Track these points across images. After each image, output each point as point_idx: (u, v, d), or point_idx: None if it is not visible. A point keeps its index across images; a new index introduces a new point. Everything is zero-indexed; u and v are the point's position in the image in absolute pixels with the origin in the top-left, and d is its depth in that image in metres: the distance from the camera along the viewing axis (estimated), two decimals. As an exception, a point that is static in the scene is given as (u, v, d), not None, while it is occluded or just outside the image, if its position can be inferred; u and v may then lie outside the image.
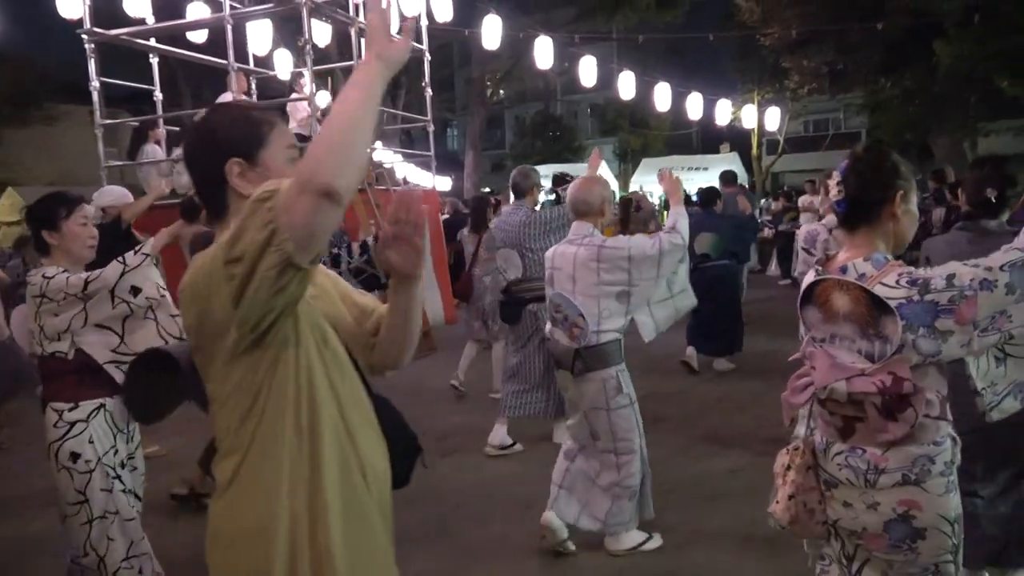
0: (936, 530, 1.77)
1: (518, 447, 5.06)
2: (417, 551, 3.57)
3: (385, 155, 10.87)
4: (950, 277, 1.69)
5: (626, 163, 31.34)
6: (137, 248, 2.84)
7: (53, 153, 19.97)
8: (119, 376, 2.65)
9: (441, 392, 6.51)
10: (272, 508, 1.32)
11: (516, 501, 4.12)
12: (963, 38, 13.79)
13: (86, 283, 2.66)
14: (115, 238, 4.72)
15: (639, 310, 3.37)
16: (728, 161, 25.44)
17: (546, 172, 27.86)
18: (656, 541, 3.52)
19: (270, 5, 8.33)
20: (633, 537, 3.48)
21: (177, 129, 9.03)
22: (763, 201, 16.40)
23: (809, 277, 1.94)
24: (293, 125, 9.25)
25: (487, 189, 28.19)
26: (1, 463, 5.59)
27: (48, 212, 2.71)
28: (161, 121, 9.28)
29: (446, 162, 26.27)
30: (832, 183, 1.90)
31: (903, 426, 1.75)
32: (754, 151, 24.77)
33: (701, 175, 23.78)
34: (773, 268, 14.45)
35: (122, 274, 2.70)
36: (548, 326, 3.53)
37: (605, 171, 25.87)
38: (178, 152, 8.66)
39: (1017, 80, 13.35)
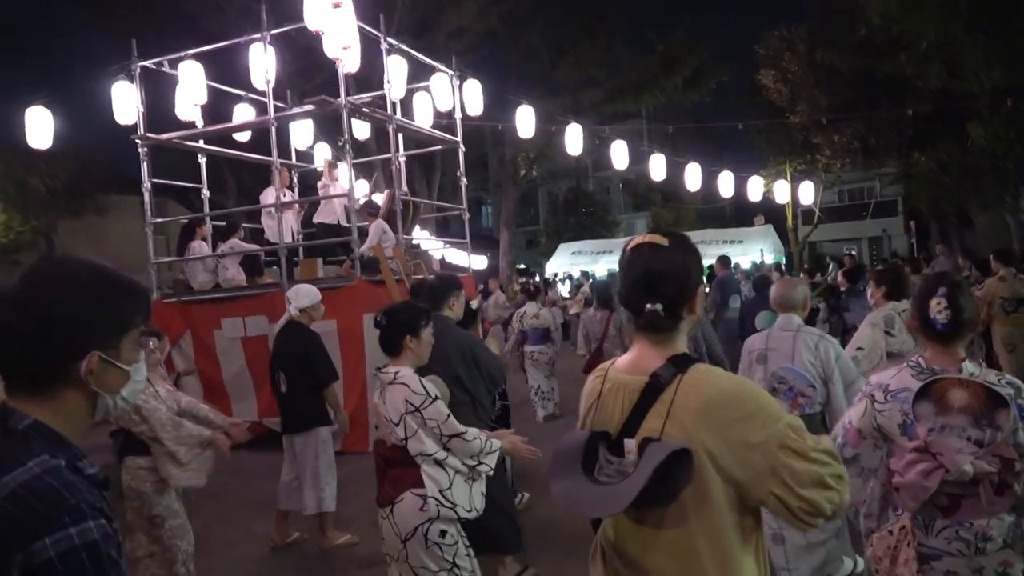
0: None
1: None
2: None
3: (424, 241, 11.10)
4: None
5: (659, 237, 31.44)
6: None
7: (102, 242, 20.73)
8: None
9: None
10: None
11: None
12: (995, 118, 13.80)
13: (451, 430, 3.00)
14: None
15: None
16: (763, 234, 25.31)
17: (579, 248, 28.11)
18: None
19: (312, 107, 8.69)
20: None
21: (223, 224, 9.37)
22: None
23: (904, 377, 2.31)
24: (319, 214, 9.55)
25: (522, 265, 28.47)
26: (218, 509, 5.94)
27: (415, 320, 3.09)
28: (208, 218, 9.61)
29: (481, 240, 26.74)
30: (938, 306, 2.29)
31: (1009, 500, 2.14)
32: (789, 222, 24.68)
33: (736, 248, 23.61)
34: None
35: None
36: None
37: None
38: (223, 247, 8.97)
39: (1054, 158, 13.28)
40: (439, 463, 2.93)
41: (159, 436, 3.84)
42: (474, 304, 5.86)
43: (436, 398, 2.94)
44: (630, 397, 1.60)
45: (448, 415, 2.95)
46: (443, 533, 2.92)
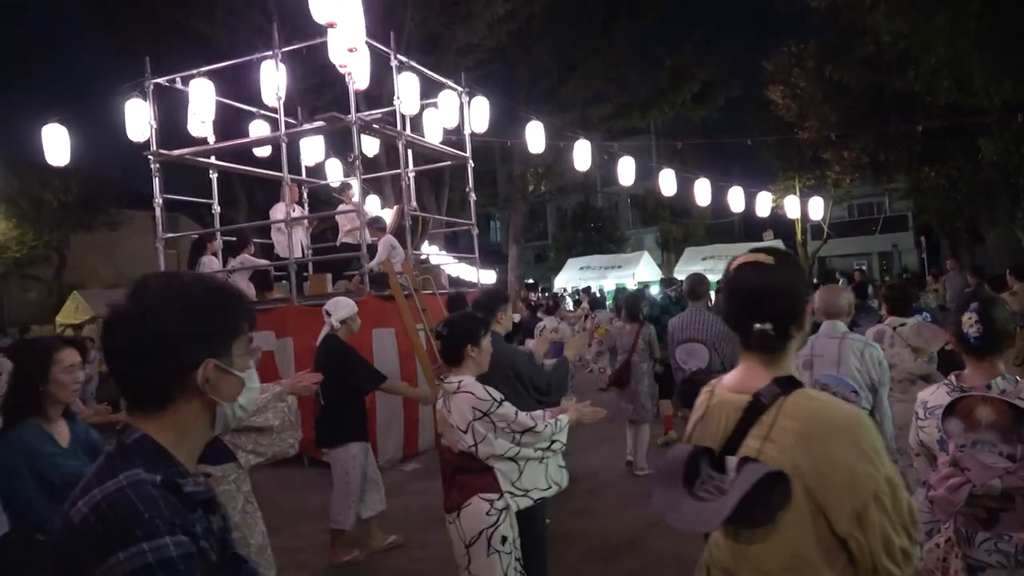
0: None
1: None
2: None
3: (432, 256, 11.13)
4: None
5: (668, 252, 31.44)
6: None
7: (114, 256, 20.96)
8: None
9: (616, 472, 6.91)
10: None
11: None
12: (1006, 134, 13.75)
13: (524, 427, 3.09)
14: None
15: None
16: (772, 249, 25.29)
17: (587, 263, 27.96)
18: None
19: (322, 124, 8.76)
20: None
21: (233, 239, 9.43)
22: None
23: (941, 394, 2.39)
24: (343, 235, 9.58)
25: (530, 280, 28.53)
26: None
27: (475, 331, 3.20)
28: (218, 233, 9.67)
29: (489, 255, 26.78)
30: (969, 321, 2.36)
31: None
32: (798, 237, 24.62)
33: (745, 263, 23.54)
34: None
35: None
36: None
37: (648, 261, 25.95)
38: (233, 262, 9.02)
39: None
40: (511, 459, 3.04)
41: (247, 421, 3.74)
42: (516, 318, 5.91)
43: (502, 401, 3.05)
44: (733, 415, 1.61)
45: (517, 412, 3.05)
46: (504, 540, 3.02)
